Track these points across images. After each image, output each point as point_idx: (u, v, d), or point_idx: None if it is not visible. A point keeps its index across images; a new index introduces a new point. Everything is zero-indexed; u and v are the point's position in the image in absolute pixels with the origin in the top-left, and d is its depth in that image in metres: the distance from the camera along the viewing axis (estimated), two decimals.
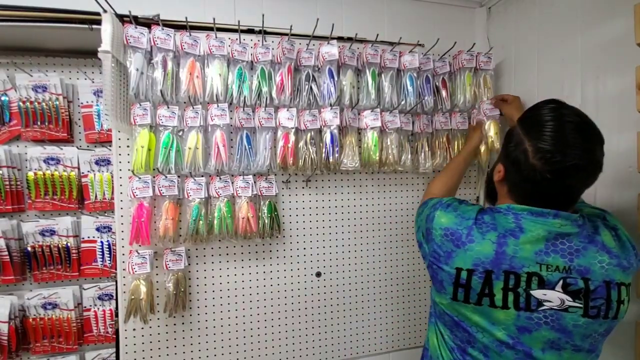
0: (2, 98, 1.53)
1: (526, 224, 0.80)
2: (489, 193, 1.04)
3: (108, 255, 1.61)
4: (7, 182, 1.47)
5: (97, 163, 1.60)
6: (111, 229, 1.61)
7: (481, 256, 0.80)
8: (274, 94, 1.35)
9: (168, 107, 1.24)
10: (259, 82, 1.33)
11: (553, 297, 0.78)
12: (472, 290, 0.81)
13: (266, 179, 1.36)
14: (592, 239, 0.81)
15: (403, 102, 1.49)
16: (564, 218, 0.79)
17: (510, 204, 0.85)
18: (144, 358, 1.30)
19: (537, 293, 0.78)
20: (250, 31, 1.39)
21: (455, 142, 1.57)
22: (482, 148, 1.56)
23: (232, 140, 1.36)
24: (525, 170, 0.78)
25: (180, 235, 1.28)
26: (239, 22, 1.30)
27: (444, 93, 1.56)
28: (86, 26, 1.25)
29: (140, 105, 1.21)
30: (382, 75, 1.49)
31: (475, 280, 0.81)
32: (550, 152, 0.74)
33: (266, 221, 1.35)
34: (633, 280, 0.83)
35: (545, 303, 0.79)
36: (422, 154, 1.55)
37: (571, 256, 0.79)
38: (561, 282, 0.78)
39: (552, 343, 0.79)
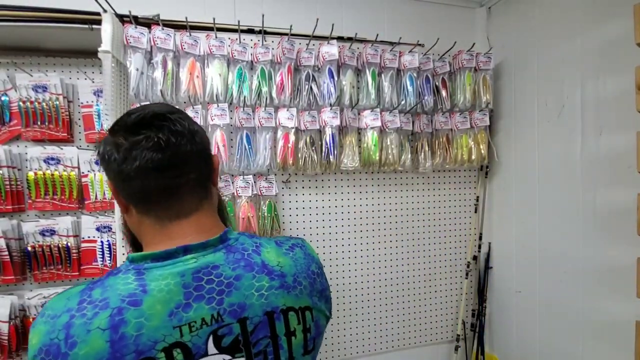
0: (2, 98, 1.53)
1: (150, 278, 0.54)
2: (132, 241, 0.68)
3: (108, 255, 1.61)
4: (7, 182, 1.47)
5: (97, 163, 1.60)
6: (111, 228, 1.61)
7: None
8: (274, 94, 1.35)
9: None
10: (259, 82, 1.33)
11: None
12: None
13: (266, 178, 1.36)
14: (248, 261, 0.59)
15: (403, 102, 1.49)
16: (198, 248, 0.57)
17: (148, 243, 0.60)
18: None
19: None
20: (250, 31, 1.39)
21: (455, 142, 1.58)
22: (474, 148, 1.58)
23: (232, 140, 1.36)
24: (114, 156, 0.57)
25: None
26: (239, 22, 1.30)
27: (443, 93, 1.56)
28: (86, 26, 1.24)
29: (140, 105, 1.21)
30: (382, 75, 1.49)
31: None
32: (123, 119, 0.60)
33: (266, 221, 1.35)
34: (330, 298, 0.66)
35: None
36: (422, 153, 1.55)
37: (221, 295, 0.56)
38: (211, 339, 0.54)
39: None
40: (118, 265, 1.28)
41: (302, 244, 0.67)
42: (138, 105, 1.20)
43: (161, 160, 0.56)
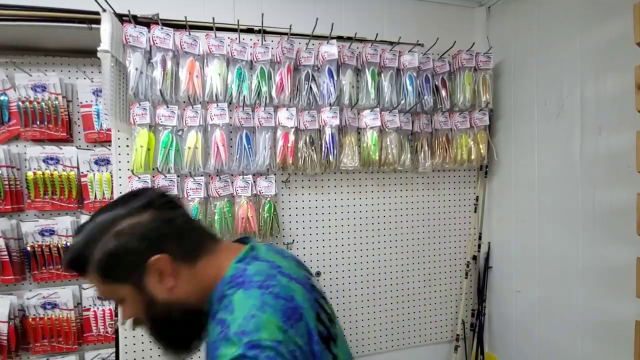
0: (2, 98, 1.52)
1: (262, 254, 0.70)
2: (186, 330, 0.69)
3: None
4: (7, 182, 1.47)
5: (96, 163, 1.60)
6: None
7: (305, 295, 0.65)
8: (273, 94, 1.35)
9: (167, 107, 1.24)
10: (259, 82, 1.33)
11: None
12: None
13: (266, 178, 1.36)
14: None
15: (403, 102, 1.49)
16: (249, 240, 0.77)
17: (218, 265, 0.67)
18: (143, 358, 1.30)
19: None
20: (249, 31, 1.38)
21: (455, 142, 1.58)
22: (474, 148, 1.58)
23: (231, 139, 1.35)
24: (159, 225, 0.64)
25: None
26: (238, 21, 1.30)
27: (443, 92, 1.56)
28: (85, 26, 1.24)
29: (140, 104, 1.21)
30: (382, 75, 1.48)
31: (324, 317, 0.68)
32: (134, 205, 0.65)
33: (266, 221, 1.35)
34: None
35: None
36: (422, 153, 1.55)
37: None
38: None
39: None
40: None
41: None
42: (138, 105, 1.20)
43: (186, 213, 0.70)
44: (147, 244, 0.62)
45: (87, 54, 1.55)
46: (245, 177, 1.33)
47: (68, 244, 1.55)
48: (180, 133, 1.27)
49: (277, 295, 0.60)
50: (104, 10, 1.12)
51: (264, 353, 0.53)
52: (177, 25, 1.26)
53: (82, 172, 1.58)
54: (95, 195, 1.59)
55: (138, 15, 1.22)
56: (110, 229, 0.61)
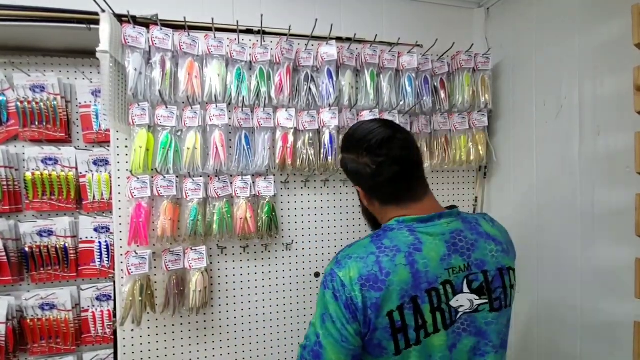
0: (0, 98, 1.52)
1: (420, 233, 0.77)
2: (372, 223, 0.99)
3: (106, 256, 1.60)
4: (5, 183, 1.47)
5: (95, 163, 1.59)
6: (109, 229, 1.60)
7: (403, 285, 0.72)
8: (272, 94, 1.35)
9: (166, 107, 1.24)
10: (258, 83, 1.33)
11: (464, 301, 0.76)
12: (410, 328, 0.73)
13: (265, 179, 1.36)
14: (477, 230, 0.82)
15: (402, 103, 1.49)
16: (447, 216, 0.80)
17: (395, 216, 0.81)
18: (142, 359, 1.30)
19: (453, 302, 0.75)
20: (249, 31, 1.39)
21: (454, 143, 1.58)
22: (473, 149, 1.58)
23: (230, 140, 1.35)
24: (366, 172, 0.81)
25: (180, 236, 1.28)
26: (237, 22, 1.30)
27: (442, 93, 1.56)
28: (84, 26, 1.24)
29: (139, 105, 1.21)
30: (381, 76, 1.49)
31: (408, 314, 0.72)
32: (362, 142, 0.81)
33: (264, 222, 1.35)
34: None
35: (459, 309, 0.76)
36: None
37: (469, 252, 0.78)
38: (465, 281, 0.76)
39: (474, 350, 0.78)
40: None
41: (493, 219, 0.89)
42: (137, 105, 1.20)
43: (402, 171, 0.79)
44: (350, 178, 0.90)
45: (86, 54, 1.56)
46: (244, 177, 1.32)
47: (66, 244, 1.55)
48: (179, 134, 1.27)
49: (380, 262, 0.74)
50: (103, 11, 1.12)
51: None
52: (177, 26, 1.26)
53: (80, 173, 1.58)
54: (94, 196, 1.59)
55: (137, 16, 1.22)
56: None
